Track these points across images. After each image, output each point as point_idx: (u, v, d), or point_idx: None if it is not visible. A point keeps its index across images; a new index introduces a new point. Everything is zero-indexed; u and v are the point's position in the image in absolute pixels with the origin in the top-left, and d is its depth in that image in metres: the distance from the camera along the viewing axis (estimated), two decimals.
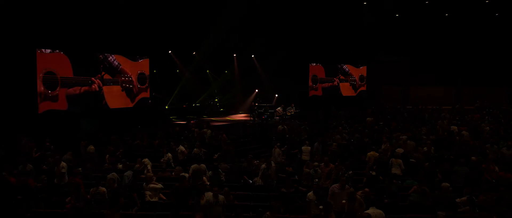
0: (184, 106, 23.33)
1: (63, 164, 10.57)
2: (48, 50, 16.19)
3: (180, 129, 16.95)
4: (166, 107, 22.78)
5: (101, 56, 18.38)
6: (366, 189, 9.12)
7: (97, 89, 18.09)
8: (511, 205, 8.26)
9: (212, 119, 21.53)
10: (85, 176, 10.94)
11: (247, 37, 22.06)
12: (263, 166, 10.76)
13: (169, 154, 12.70)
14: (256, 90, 25.20)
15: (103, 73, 18.40)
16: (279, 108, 21.78)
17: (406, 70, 28.39)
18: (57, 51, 16.45)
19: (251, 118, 21.05)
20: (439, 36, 26.74)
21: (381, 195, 9.33)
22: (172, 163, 12.35)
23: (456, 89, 28.48)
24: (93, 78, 17.88)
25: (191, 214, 8.53)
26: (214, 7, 20.04)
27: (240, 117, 23.83)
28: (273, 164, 11.04)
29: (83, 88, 17.45)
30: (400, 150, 11.33)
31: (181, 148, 12.99)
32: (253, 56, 24.96)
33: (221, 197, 8.19)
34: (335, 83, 28.02)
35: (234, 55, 24.72)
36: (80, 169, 11.39)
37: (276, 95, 25.04)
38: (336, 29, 24.42)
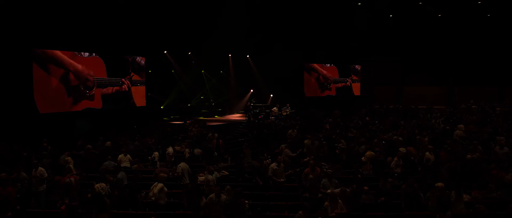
0: (180, 106, 23.39)
1: (41, 169, 9.91)
2: (86, 54, 17.53)
3: (172, 130, 17.02)
4: (161, 107, 22.82)
5: (130, 58, 19.60)
6: (365, 188, 9.29)
7: (127, 89, 19.59)
8: (502, 202, 8.50)
9: (208, 119, 21.61)
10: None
11: (243, 38, 22.15)
12: (273, 165, 10.67)
13: (156, 153, 12.69)
14: (251, 91, 25.30)
15: (132, 74, 19.79)
16: (274, 108, 21.92)
17: (399, 70, 28.70)
18: (94, 54, 17.90)
19: (247, 118, 21.15)
20: (432, 36, 27.03)
21: (377, 194, 9.50)
22: (158, 162, 12.28)
23: (448, 89, 28.84)
24: (123, 79, 19.29)
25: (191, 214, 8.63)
26: (211, 7, 20.10)
27: (236, 116, 23.93)
28: (282, 164, 10.92)
29: (115, 88, 18.85)
30: (403, 150, 11.49)
31: (170, 149, 12.90)
32: (248, 56, 25.05)
33: (223, 196, 8.29)
34: (348, 83, 28.26)
35: (229, 55, 24.80)
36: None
37: (271, 95, 25.16)
38: (331, 29, 24.58)
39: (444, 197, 8.11)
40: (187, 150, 13.04)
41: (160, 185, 9.31)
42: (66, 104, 16.79)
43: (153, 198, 9.26)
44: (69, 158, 11.17)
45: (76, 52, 17.10)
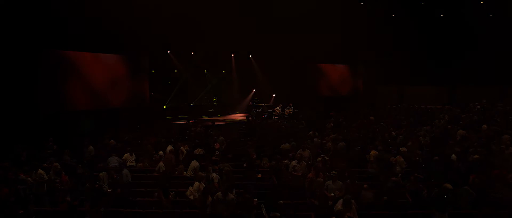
0: (182, 106, 23.46)
1: (41, 172, 9.91)
2: (108, 54, 18.62)
3: (176, 129, 17.11)
4: (164, 107, 22.89)
5: (147, 59, 20.65)
6: (365, 186, 9.34)
7: (144, 89, 20.73)
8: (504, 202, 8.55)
9: (211, 118, 21.67)
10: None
11: (244, 37, 22.17)
12: (294, 163, 10.85)
13: (161, 152, 12.68)
14: (254, 90, 25.35)
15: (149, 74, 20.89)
16: (277, 107, 21.93)
17: (400, 69, 28.68)
18: (116, 54, 18.99)
19: (249, 118, 21.14)
20: (433, 36, 27.03)
21: (380, 193, 9.55)
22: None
23: (450, 88, 28.84)
24: (142, 79, 20.59)
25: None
26: (213, 7, 20.12)
27: (238, 116, 23.97)
28: (303, 162, 11.09)
29: (135, 88, 20.08)
30: (404, 149, 11.54)
31: (169, 147, 12.91)
32: (250, 56, 25.09)
33: (231, 196, 8.36)
34: (357, 83, 28.35)
35: (232, 55, 24.84)
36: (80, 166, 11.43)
37: (274, 95, 25.19)
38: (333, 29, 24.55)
39: (448, 198, 8.17)
40: (181, 148, 13.02)
41: (197, 183, 9.30)
42: (91, 102, 17.90)
43: (191, 197, 9.23)
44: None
45: (98, 53, 17.97)
